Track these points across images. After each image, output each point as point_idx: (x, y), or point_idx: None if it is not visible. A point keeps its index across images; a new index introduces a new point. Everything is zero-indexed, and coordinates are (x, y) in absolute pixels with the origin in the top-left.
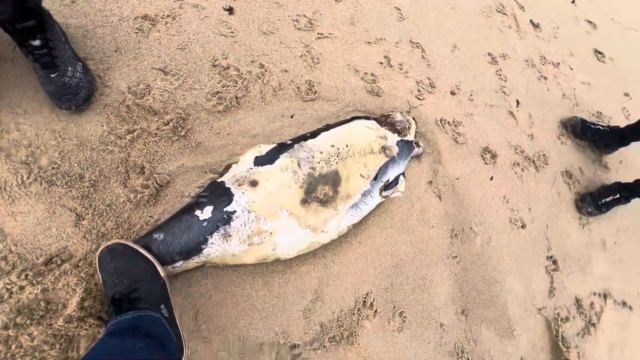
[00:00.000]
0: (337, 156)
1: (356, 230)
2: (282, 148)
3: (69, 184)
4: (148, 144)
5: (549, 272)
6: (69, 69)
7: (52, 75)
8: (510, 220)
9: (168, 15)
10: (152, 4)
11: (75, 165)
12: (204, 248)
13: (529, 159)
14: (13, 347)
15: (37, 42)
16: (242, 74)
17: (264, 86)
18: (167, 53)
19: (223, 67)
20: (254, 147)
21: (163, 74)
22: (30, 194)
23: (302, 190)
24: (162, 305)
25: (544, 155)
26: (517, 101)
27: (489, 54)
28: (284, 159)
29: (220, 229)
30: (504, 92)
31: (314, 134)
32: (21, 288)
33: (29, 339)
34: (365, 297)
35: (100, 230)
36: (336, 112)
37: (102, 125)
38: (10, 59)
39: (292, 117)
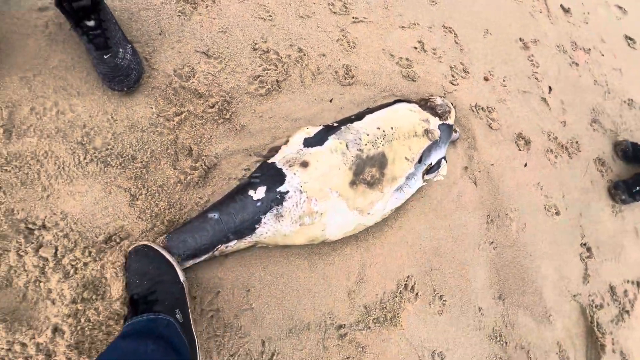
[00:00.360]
0: (383, 138)
1: (396, 214)
2: (329, 130)
3: (122, 164)
4: (195, 126)
5: (583, 259)
6: (120, 50)
7: (105, 57)
8: (545, 207)
9: None
10: None
11: (128, 146)
12: (257, 228)
13: (562, 146)
14: (82, 320)
15: (91, 23)
16: (281, 57)
17: (303, 70)
18: (209, 36)
19: (263, 50)
20: (301, 128)
21: (206, 57)
22: (87, 174)
23: (351, 171)
24: (178, 310)
25: (576, 142)
26: (550, 87)
27: (520, 39)
28: (332, 141)
29: (273, 209)
30: (536, 78)
31: (359, 117)
32: (85, 264)
33: (95, 314)
34: (406, 280)
35: (154, 211)
36: (373, 97)
37: (151, 108)
38: (62, 41)
39: (330, 101)
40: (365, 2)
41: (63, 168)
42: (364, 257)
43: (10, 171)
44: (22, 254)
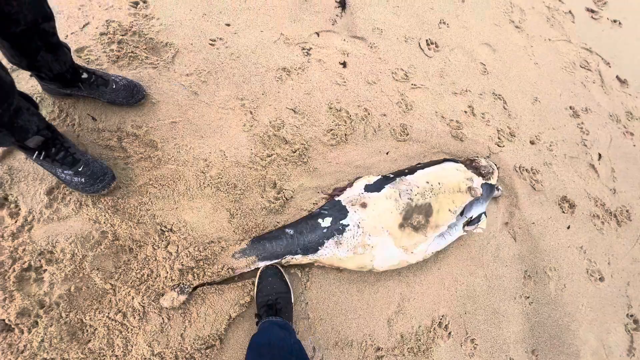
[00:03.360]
0: (431, 191)
1: (437, 257)
2: (386, 179)
3: (227, 190)
4: (280, 165)
5: (629, 331)
6: (110, 79)
7: (113, 87)
8: (587, 271)
9: (299, 68)
10: (289, 59)
11: (232, 177)
12: (320, 249)
13: (610, 213)
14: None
15: (85, 75)
16: (350, 115)
17: (366, 126)
18: (297, 97)
19: (336, 109)
20: (364, 176)
21: (294, 113)
22: (203, 195)
23: (401, 216)
24: (291, 322)
25: (627, 211)
26: (599, 154)
27: (570, 107)
28: (388, 189)
29: (335, 236)
30: (585, 145)
31: (412, 170)
32: (195, 260)
33: (201, 294)
34: (441, 319)
35: (245, 228)
36: (424, 152)
37: (250, 149)
38: (194, 99)
39: (387, 153)
40: (424, 71)
41: (189, 189)
42: (404, 291)
43: (156, 187)
44: (156, 247)
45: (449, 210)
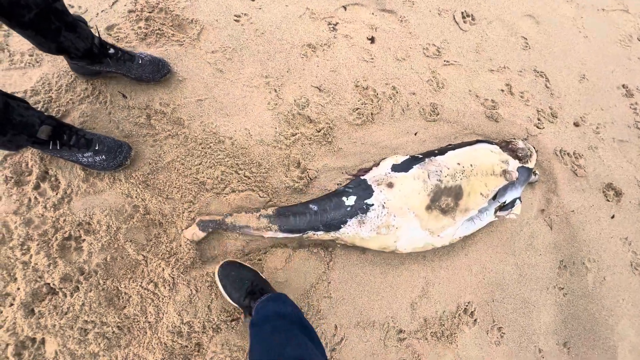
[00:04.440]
0: (462, 173)
1: (465, 242)
2: (415, 160)
3: (251, 170)
4: (304, 145)
5: None
6: (136, 55)
7: (139, 62)
8: (632, 265)
9: (325, 44)
10: (314, 35)
11: (257, 156)
12: (342, 227)
13: None
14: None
15: (112, 50)
16: (377, 94)
17: (394, 106)
18: (322, 74)
19: (363, 87)
20: (391, 156)
21: (318, 91)
22: (240, 179)
23: (429, 198)
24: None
25: None
26: None
27: (623, 85)
28: (416, 169)
29: (358, 215)
30: (638, 128)
31: (442, 151)
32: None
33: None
34: (466, 305)
35: (269, 203)
36: (454, 134)
37: (275, 128)
38: (222, 77)
39: (415, 134)
40: (458, 46)
41: (221, 180)
42: (429, 275)
43: (184, 164)
44: (183, 221)
45: (481, 193)
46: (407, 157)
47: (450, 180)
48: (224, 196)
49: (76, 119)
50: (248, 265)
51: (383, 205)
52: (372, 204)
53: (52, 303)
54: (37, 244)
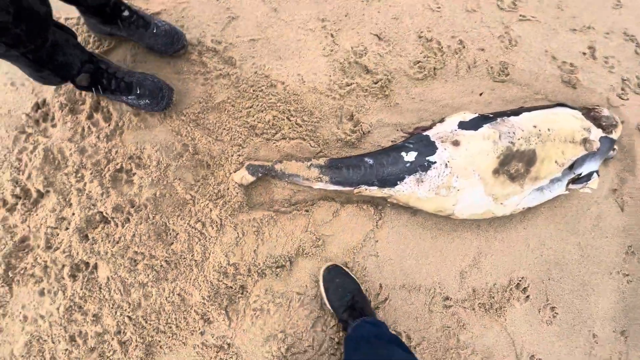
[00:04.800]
0: (538, 137)
1: (525, 214)
2: (485, 118)
3: (303, 119)
4: (359, 97)
5: None
6: (152, 22)
7: (154, 31)
8: None
9: None
10: None
11: (309, 104)
12: (398, 184)
13: None
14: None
15: (126, 13)
16: (442, 47)
17: (459, 61)
18: (383, 21)
19: (427, 39)
20: (458, 112)
21: (377, 39)
22: (291, 126)
23: (498, 160)
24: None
25: None
26: None
27: None
28: (486, 129)
29: (417, 173)
30: None
31: (516, 112)
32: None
33: (273, 216)
34: (519, 280)
35: (320, 154)
36: (524, 98)
37: (329, 76)
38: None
39: (480, 95)
40: (537, 0)
41: (276, 127)
42: (482, 245)
43: (234, 106)
44: (232, 164)
45: (556, 161)
46: (476, 115)
47: (523, 143)
48: (274, 142)
49: (128, 51)
50: (352, 275)
51: (446, 164)
52: (434, 162)
53: (105, 231)
54: (91, 173)
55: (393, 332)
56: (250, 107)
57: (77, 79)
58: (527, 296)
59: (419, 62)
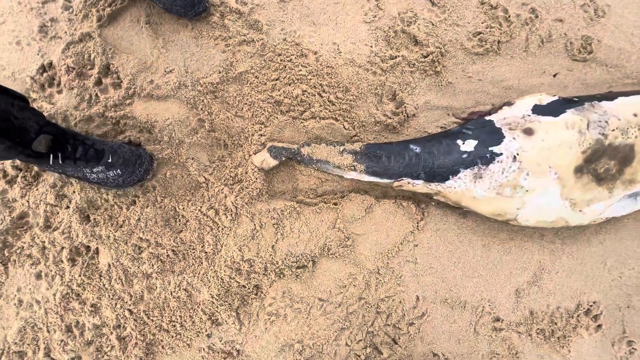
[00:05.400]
0: (639, 129)
1: (604, 226)
2: (567, 102)
3: (337, 95)
4: (404, 73)
5: None
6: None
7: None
8: None
9: None
10: None
11: (345, 78)
12: (450, 179)
13: None
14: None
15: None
16: (509, 16)
17: (530, 34)
18: None
19: (491, 5)
20: (533, 94)
21: (430, 5)
22: (323, 103)
23: (583, 156)
24: None
25: None
26: None
27: None
28: (571, 115)
29: (476, 166)
30: None
31: (608, 97)
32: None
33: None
34: (590, 306)
35: (354, 138)
36: (610, 82)
37: (370, 47)
38: None
39: (554, 76)
40: None
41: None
42: (544, 260)
43: (258, 77)
44: (252, 145)
45: None
46: (556, 97)
47: (619, 136)
48: (302, 122)
49: (142, 11)
50: None
51: (514, 157)
52: (500, 154)
53: (108, 213)
54: None
55: (430, 354)
56: (277, 80)
57: (35, 142)
58: (599, 325)
59: (479, 33)
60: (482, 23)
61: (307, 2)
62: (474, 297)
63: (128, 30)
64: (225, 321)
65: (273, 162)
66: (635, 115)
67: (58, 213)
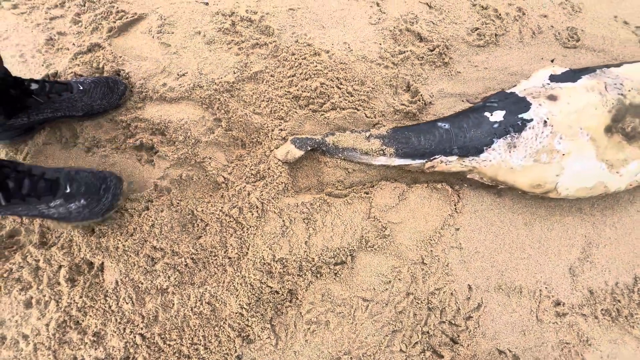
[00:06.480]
0: None
1: (634, 194)
2: (579, 71)
3: (353, 87)
4: (415, 65)
5: None
6: (71, 81)
7: (80, 88)
8: None
9: None
10: None
11: (359, 73)
12: (485, 151)
13: None
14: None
15: (34, 85)
16: (500, 14)
17: (522, 27)
18: None
19: (481, 7)
20: (545, 66)
21: (428, 8)
22: (342, 95)
23: (610, 115)
24: None
25: None
26: None
27: None
28: (587, 80)
29: (508, 136)
30: None
31: (613, 65)
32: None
33: (327, 199)
34: None
35: (377, 126)
36: (601, 65)
37: (379, 44)
38: None
39: (552, 61)
40: None
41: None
42: (589, 233)
43: (273, 76)
44: (273, 140)
45: None
46: (567, 69)
47: (637, 95)
48: (322, 114)
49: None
50: None
51: (545, 122)
52: (531, 119)
53: (117, 222)
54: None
55: (496, 352)
56: (293, 76)
57: None
58: None
59: (477, 29)
60: (477, 20)
61: (314, 9)
62: (529, 280)
63: (139, 40)
64: (259, 336)
65: (298, 153)
66: None
67: (56, 228)
